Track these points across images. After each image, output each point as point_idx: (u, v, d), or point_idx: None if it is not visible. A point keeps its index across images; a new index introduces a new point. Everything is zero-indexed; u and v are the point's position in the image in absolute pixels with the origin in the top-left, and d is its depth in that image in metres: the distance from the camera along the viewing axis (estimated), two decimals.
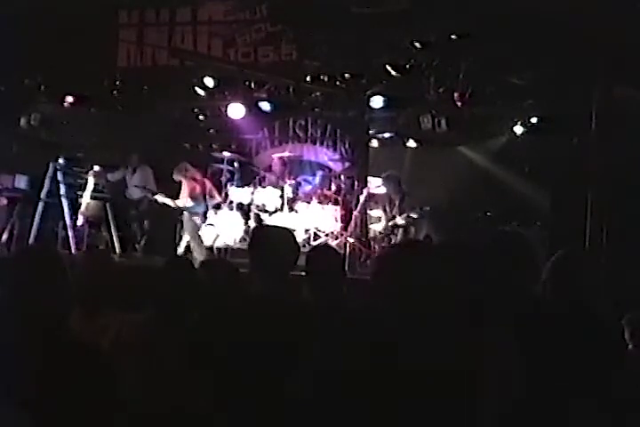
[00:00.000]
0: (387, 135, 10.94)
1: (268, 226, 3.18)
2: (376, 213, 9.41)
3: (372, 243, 9.35)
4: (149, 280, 3.45)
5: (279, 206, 9.50)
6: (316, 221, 9.34)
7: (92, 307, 3.29)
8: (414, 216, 8.86)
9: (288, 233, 3.22)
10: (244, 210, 9.74)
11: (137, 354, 3.01)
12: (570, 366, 2.52)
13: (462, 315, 2.39)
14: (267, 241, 3.11)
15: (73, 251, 9.09)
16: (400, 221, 8.90)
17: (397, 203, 9.01)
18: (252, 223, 9.51)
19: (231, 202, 9.81)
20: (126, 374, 2.82)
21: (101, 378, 2.10)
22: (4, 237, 9.20)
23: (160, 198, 9.43)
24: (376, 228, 9.25)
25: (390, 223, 9.01)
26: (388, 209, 9.09)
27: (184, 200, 9.32)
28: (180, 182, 9.42)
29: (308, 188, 10.01)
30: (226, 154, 10.13)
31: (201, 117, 10.83)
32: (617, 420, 2.55)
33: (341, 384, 2.31)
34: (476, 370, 2.31)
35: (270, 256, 3.03)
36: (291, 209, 9.49)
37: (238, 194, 9.77)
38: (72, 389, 1.99)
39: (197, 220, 9.28)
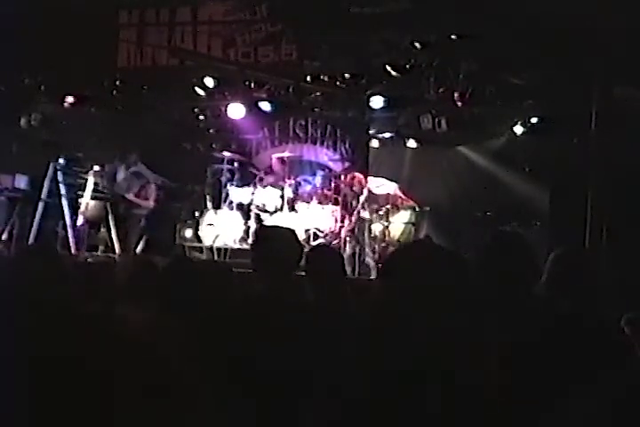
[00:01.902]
0: (387, 135, 10.94)
1: (271, 226, 3.17)
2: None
3: (371, 243, 9.35)
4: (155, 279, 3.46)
5: (279, 206, 9.50)
6: (315, 221, 9.34)
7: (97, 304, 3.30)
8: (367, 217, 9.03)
9: (291, 233, 3.22)
10: (244, 210, 9.75)
11: (138, 354, 3.01)
12: (569, 366, 2.52)
13: (462, 316, 2.39)
14: (270, 241, 3.10)
15: (73, 251, 9.09)
16: (365, 215, 9.04)
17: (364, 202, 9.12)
18: (251, 223, 9.52)
19: (231, 202, 9.82)
20: (126, 375, 2.82)
21: (101, 378, 2.09)
22: (4, 237, 9.19)
23: (131, 197, 9.52)
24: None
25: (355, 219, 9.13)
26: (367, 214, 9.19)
27: (150, 202, 9.47)
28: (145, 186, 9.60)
29: (308, 188, 10.01)
30: (226, 154, 10.14)
31: (201, 117, 10.83)
32: (617, 420, 2.55)
33: (342, 384, 2.31)
34: (476, 370, 2.31)
35: (273, 256, 3.03)
36: (291, 209, 9.49)
37: (238, 194, 9.77)
38: (71, 389, 1.99)
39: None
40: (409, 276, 2.35)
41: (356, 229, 9.15)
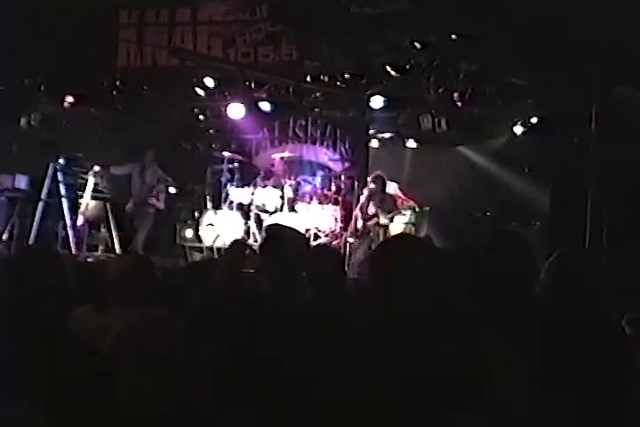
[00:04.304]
0: (387, 135, 10.93)
1: (281, 226, 3.20)
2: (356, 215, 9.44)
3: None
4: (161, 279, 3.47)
5: (279, 206, 9.51)
6: (315, 221, 9.34)
7: (99, 305, 3.31)
8: (385, 222, 8.98)
9: (301, 234, 3.25)
10: (244, 210, 9.75)
11: (138, 353, 3.01)
12: (571, 366, 2.52)
13: (460, 314, 2.39)
14: (281, 241, 3.11)
15: (73, 251, 9.10)
16: (383, 220, 8.99)
17: (378, 203, 9.08)
18: (251, 223, 9.52)
19: (231, 202, 9.82)
20: (126, 374, 2.82)
21: (100, 377, 2.10)
22: (4, 237, 9.19)
23: (153, 201, 9.61)
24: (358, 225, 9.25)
25: (371, 222, 9.04)
26: (373, 210, 9.13)
27: (162, 203, 9.63)
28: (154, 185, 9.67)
29: (308, 188, 10.01)
30: (226, 154, 10.14)
31: (201, 117, 10.82)
32: (619, 420, 2.55)
33: (342, 384, 2.31)
34: (476, 371, 2.31)
35: (284, 256, 3.03)
36: (291, 209, 9.49)
37: (238, 194, 9.78)
38: (71, 388, 1.99)
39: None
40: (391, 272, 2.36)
41: (371, 232, 9.09)
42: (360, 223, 9.08)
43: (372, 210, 9.20)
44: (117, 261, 3.71)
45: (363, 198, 9.33)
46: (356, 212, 9.40)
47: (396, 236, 3.28)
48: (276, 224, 3.31)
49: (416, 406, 2.23)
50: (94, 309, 3.30)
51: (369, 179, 9.28)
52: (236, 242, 3.34)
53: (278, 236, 3.15)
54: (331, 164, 10.80)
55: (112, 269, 3.42)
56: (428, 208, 10.09)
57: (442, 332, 2.30)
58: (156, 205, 9.76)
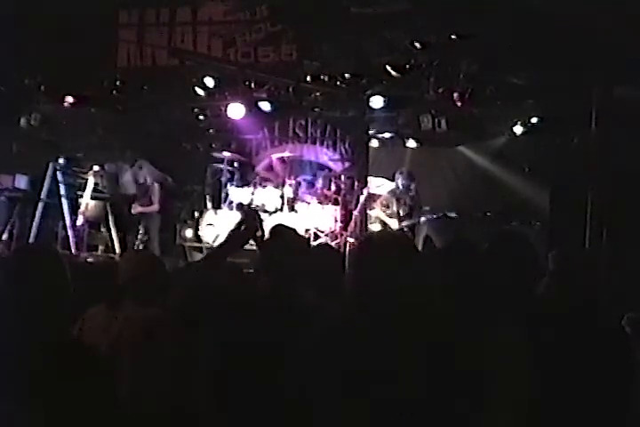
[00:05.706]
0: (387, 135, 10.93)
1: (284, 226, 3.19)
2: (375, 212, 9.42)
3: None
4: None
5: (279, 206, 9.50)
6: (316, 221, 9.34)
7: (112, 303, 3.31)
8: (423, 218, 9.00)
9: (302, 236, 3.26)
10: (245, 210, 9.74)
11: (137, 353, 3.01)
12: (571, 365, 2.52)
13: (459, 313, 2.39)
14: (283, 240, 3.11)
15: (73, 251, 9.09)
16: (423, 219, 9.04)
17: (408, 202, 9.09)
18: None
19: (231, 202, 9.82)
20: (126, 373, 2.82)
21: (100, 377, 2.09)
22: (4, 237, 9.19)
23: (139, 209, 9.52)
24: (393, 225, 9.22)
25: (405, 223, 9.07)
26: (395, 208, 9.12)
27: (156, 206, 9.51)
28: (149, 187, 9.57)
29: (308, 188, 10.01)
30: (226, 154, 10.14)
31: (201, 117, 10.82)
32: (619, 419, 2.55)
33: (342, 384, 2.31)
34: (476, 370, 2.31)
35: (287, 257, 3.03)
36: (291, 209, 9.49)
37: (238, 194, 9.77)
38: (71, 388, 1.98)
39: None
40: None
41: (356, 229, 9.12)
42: (394, 224, 9.06)
43: (403, 209, 9.19)
44: (131, 259, 3.69)
45: (362, 199, 9.33)
46: (356, 213, 9.39)
47: (378, 233, 3.30)
48: (280, 225, 3.30)
49: (412, 406, 2.23)
50: (107, 306, 3.30)
51: (396, 175, 9.30)
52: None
53: (280, 235, 3.15)
54: (331, 164, 10.79)
55: (125, 268, 3.41)
56: (427, 208, 10.06)
57: (443, 331, 2.29)
58: (148, 211, 9.60)
